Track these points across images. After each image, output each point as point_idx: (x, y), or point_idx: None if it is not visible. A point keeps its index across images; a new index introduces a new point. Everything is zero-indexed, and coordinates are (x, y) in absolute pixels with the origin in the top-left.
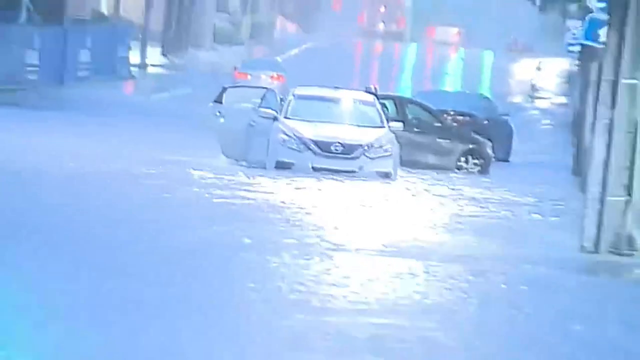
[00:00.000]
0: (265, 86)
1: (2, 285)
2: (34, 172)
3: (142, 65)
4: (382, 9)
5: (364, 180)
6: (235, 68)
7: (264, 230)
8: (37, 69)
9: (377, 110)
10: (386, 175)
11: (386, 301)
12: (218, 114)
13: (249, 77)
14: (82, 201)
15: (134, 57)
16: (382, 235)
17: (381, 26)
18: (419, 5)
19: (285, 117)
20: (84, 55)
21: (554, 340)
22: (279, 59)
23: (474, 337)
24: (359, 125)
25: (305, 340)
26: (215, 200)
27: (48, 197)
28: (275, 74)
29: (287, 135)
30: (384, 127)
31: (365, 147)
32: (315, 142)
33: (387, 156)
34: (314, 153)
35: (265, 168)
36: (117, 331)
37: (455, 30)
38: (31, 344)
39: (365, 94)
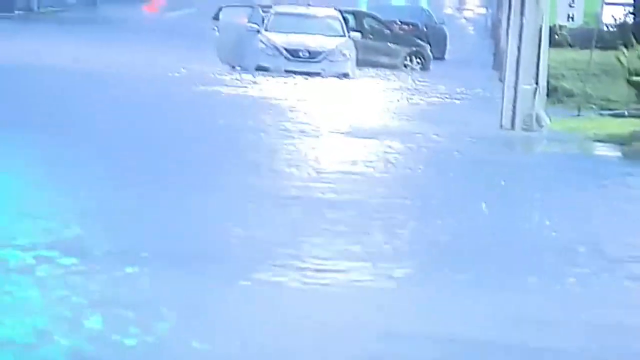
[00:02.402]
0: (251, 5)
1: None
2: (78, 71)
3: None
4: None
5: (328, 78)
6: None
7: (261, 117)
8: None
9: (340, 22)
10: (345, 76)
11: (345, 168)
12: (215, 28)
13: None
14: (124, 96)
15: None
16: (344, 121)
17: None
18: None
19: (266, 30)
20: None
21: (476, 193)
22: None
23: (417, 193)
24: (324, 35)
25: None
26: (222, 94)
27: (84, 90)
28: None
29: (264, 44)
30: (344, 36)
31: (327, 53)
32: (287, 49)
33: (345, 60)
34: (286, 58)
35: (249, 71)
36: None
37: None
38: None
39: (331, 9)
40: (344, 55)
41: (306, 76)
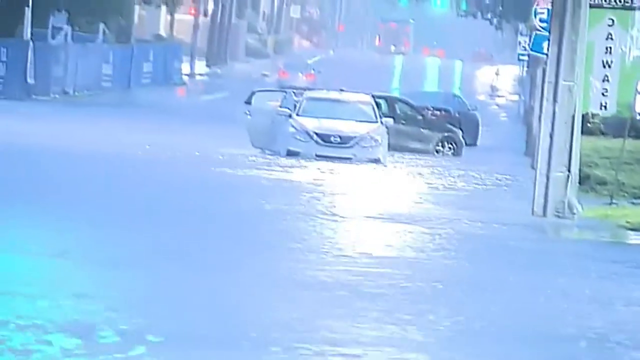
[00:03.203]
0: (284, 89)
1: None
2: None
3: (191, 75)
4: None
5: (359, 164)
6: (263, 74)
7: (290, 201)
8: (111, 77)
9: (372, 108)
10: (376, 161)
11: (368, 252)
12: (247, 112)
13: (288, 75)
14: (163, 176)
15: (185, 68)
16: (376, 205)
17: (393, 48)
18: (418, 33)
19: (297, 115)
20: (147, 67)
21: (507, 280)
22: (309, 61)
23: (447, 279)
24: (356, 120)
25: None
26: (253, 178)
27: (124, 172)
28: (307, 74)
29: (295, 129)
30: (376, 121)
31: (359, 138)
32: (318, 134)
33: (377, 145)
34: (317, 143)
35: (280, 155)
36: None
37: (439, 50)
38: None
39: (364, 95)
40: (375, 140)
41: (337, 161)
